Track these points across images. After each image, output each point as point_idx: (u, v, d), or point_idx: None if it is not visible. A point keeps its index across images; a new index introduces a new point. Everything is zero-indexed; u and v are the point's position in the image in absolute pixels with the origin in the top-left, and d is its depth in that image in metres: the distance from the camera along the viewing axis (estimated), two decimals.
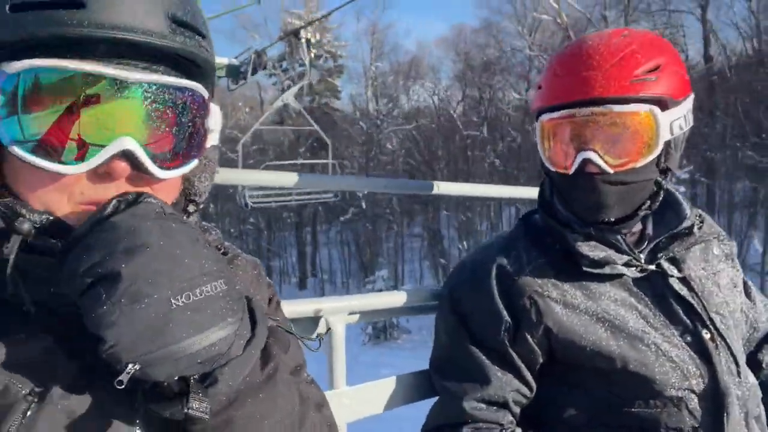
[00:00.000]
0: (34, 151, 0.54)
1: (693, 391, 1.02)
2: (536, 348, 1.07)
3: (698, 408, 1.02)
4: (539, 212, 1.17)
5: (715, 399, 1.03)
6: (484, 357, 1.07)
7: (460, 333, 1.11)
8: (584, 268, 1.06)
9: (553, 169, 1.08)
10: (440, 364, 1.16)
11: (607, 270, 1.06)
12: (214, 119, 0.64)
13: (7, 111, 0.54)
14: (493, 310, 1.08)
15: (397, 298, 1.26)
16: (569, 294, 1.07)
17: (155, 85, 0.56)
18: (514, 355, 1.07)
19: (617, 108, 0.99)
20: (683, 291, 1.08)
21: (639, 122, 1.00)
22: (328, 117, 25.68)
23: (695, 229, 1.10)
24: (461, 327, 1.12)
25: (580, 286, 1.07)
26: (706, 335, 1.05)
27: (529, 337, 1.06)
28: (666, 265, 1.09)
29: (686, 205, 1.12)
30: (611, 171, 1.01)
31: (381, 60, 27.19)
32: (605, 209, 1.05)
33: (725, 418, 1.02)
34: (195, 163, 0.62)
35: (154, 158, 0.57)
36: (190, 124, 0.60)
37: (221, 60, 9.93)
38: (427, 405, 1.17)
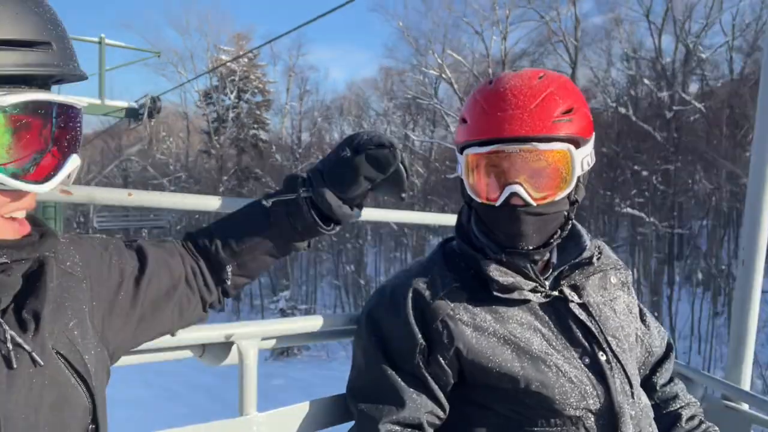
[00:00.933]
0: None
1: (590, 410, 1.08)
2: (448, 369, 1.10)
3: (594, 426, 1.08)
4: (455, 238, 1.22)
5: (610, 418, 1.09)
6: (399, 379, 1.09)
7: (377, 356, 1.13)
8: (494, 293, 1.11)
9: (478, 199, 1.13)
10: (356, 387, 1.17)
11: (515, 295, 1.12)
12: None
13: None
14: (408, 334, 1.10)
15: (312, 323, 1.25)
16: (479, 317, 1.11)
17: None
18: (428, 377, 1.10)
19: (542, 146, 1.06)
20: (582, 315, 1.14)
21: (559, 159, 1.08)
22: (256, 149, 26.72)
23: (594, 260, 1.18)
24: (377, 350, 1.13)
25: (489, 310, 1.12)
26: (602, 357, 1.12)
27: (441, 359, 1.09)
28: (567, 291, 1.16)
29: (586, 237, 1.20)
30: (534, 204, 1.08)
31: (307, 96, 28.50)
32: (525, 238, 1.11)
33: None
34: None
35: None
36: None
37: (122, 103, 12.26)
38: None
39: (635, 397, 1.14)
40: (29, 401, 0.63)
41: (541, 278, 1.15)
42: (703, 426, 1.24)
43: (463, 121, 1.15)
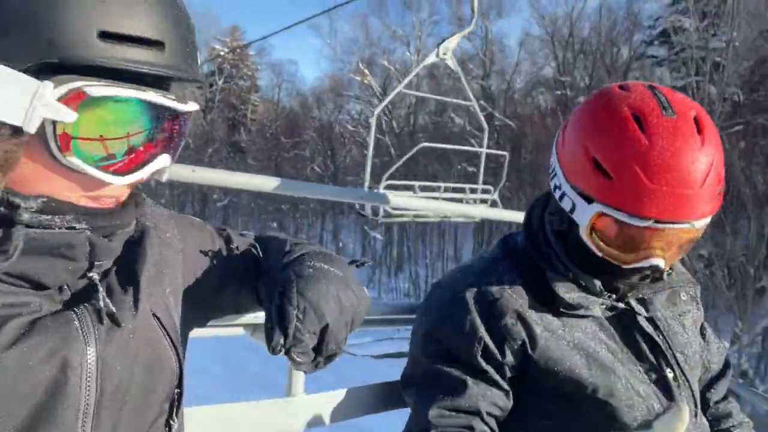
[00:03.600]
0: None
1: None
2: (514, 364, 1.06)
3: None
4: (523, 238, 1.16)
5: None
6: (456, 370, 1.05)
7: (434, 350, 1.09)
8: (560, 309, 1.07)
9: (600, 254, 1.02)
10: (411, 375, 1.14)
11: (580, 312, 1.07)
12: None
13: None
14: (470, 330, 1.06)
15: (375, 308, 1.23)
16: (546, 319, 1.07)
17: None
18: (491, 369, 1.05)
19: (699, 224, 0.95)
20: (649, 329, 1.10)
21: (702, 230, 0.99)
22: (244, 127, 30.37)
23: (665, 276, 1.12)
24: (435, 344, 1.09)
25: (555, 314, 1.07)
26: (670, 374, 1.08)
27: (509, 354, 1.05)
28: (634, 304, 1.11)
29: None
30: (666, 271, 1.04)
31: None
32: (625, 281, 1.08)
33: None
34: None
35: None
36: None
37: None
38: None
39: (698, 417, 1.11)
40: (127, 354, 0.66)
41: (606, 294, 1.09)
42: None
43: (599, 167, 0.96)
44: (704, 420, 1.15)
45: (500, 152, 4.84)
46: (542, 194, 1.20)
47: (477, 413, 1.04)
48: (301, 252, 0.85)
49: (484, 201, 3.49)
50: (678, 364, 1.09)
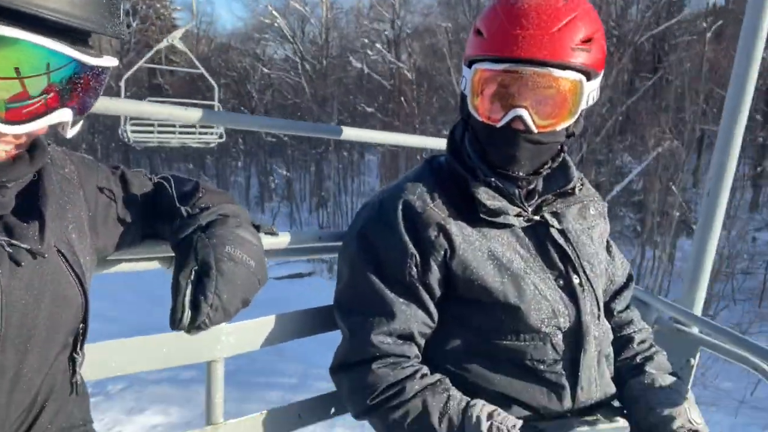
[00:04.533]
0: None
1: (559, 329, 1.12)
2: (439, 279, 1.11)
3: (561, 343, 1.13)
4: (446, 155, 1.20)
5: (576, 336, 1.14)
6: (388, 291, 1.10)
7: (366, 269, 1.12)
8: (481, 215, 1.11)
9: (479, 118, 1.09)
10: (344, 300, 1.17)
11: (500, 219, 1.13)
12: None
13: None
14: (400, 245, 1.10)
15: (295, 239, 1.23)
16: (467, 231, 1.12)
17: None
18: (420, 287, 1.11)
19: (557, 73, 1.02)
20: (560, 240, 1.17)
21: (570, 89, 1.04)
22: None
23: (577, 190, 1.21)
24: (367, 263, 1.12)
25: (475, 226, 1.13)
26: (576, 280, 1.16)
27: (434, 267, 1.10)
28: (548, 217, 1.18)
29: (574, 169, 1.21)
30: (536, 131, 1.06)
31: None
32: (519, 164, 1.11)
33: (582, 354, 1.13)
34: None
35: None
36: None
37: None
38: None
39: (600, 320, 1.20)
40: (30, 289, 0.66)
41: (525, 204, 1.16)
42: (653, 349, 1.31)
43: (478, 33, 1.09)
44: (606, 323, 1.25)
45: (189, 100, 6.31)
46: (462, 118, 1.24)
47: (410, 336, 1.10)
48: (220, 212, 0.90)
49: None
50: (584, 272, 1.17)
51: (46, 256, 0.68)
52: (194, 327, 0.80)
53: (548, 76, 1.02)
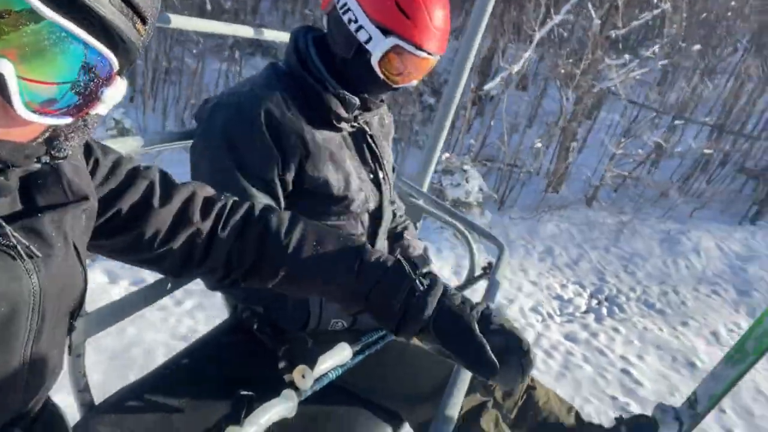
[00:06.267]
0: None
1: (368, 211, 1.48)
2: (293, 178, 1.31)
3: (367, 221, 1.49)
4: (294, 64, 1.34)
5: (377, 216, 1.52)
6: (250, 185, 1.25)
7: (229, 165, 1.24)
8: (334, 122, 1.34)
9: (380, 76, 1.32)
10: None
11: (343, 125, 1.38)
12: (114, 93, 0.60)
13: None
14: (265, 149, 1.24)
15: (150, 140, 1.25)
16: (317, 136, 1.32)
17: (70, 34, 0.51)
18: (278, 184, 1.29)
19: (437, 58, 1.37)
20: (371, 143, 1.49)
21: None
22: None
23: (379, 104, 1.49)
24: (230, 161, 1.24)
25: (321, 131, 1.34)
26: (381, 174, 1.51)
27: (292, 168, 1.29)
28: (363, 124, 1.47)
29: None
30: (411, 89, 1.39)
31: None
32: (377, 96, 1.43)
33: (380, 229, 1.54)
34: (67, 120, 0.58)
35: (24, 94, 0.52)
36: (84, 85, 0.56)
37: None
38: None
39: (394, 205, 1.63)
40: (57, 281, 0.67)
41: (352, 113, 1.41)
42: (407, 222, 1.82)
43: (404, 13, 1.25)
44: (401, 204, 1.69)
45: None
46: (302, 26, 1.39)
47: None
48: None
49: None
50: (385, 168, 1.54)
51: (63, 249, 0.68)
52: None
53: (433, 61, 1.35)
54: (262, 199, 1.26)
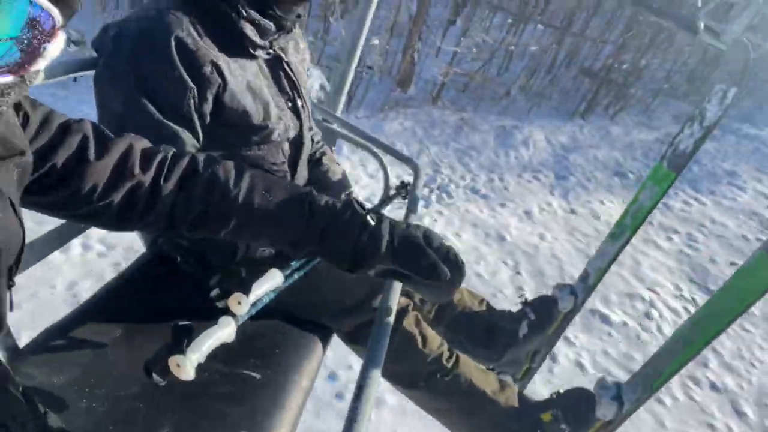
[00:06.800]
0: None
1: (288, 140, 1.49)
2: (211, 109, 1.26)
3: (287, 150, 1.50)
4: None
5: (298, 144, 1.53)
6: (166, 120, 1.19)
7: (142, 99, 1.17)
8: (249, 50, 1.30)
9: None
10: (117, 128, 1.16)
11: (258, 52, 1.34)
12: (55, 47, 0.58)
13: None
14: (179, 80, 1.18)
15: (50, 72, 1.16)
16: (232, 65, 1.27)
17: None
18: (195, 116, 1.23)
19: None
20: (288, 70, 1.46)
21: None
22: None
23: (294, 28, 1.46)
24: (143, 95, 1.17)
25: (236, 59, 1.29)
26: (299, 102, 1.50)
27: (209, 99, 1.24)
28: (279, 51, 1.43)
29: None
30: None
31: None
32: (293, 12, 1.36)
33: (301, 157, 1.56)
34: (8, 79, 0.56)
35: None
36: (27, 42, 0.54)
37: None
38: None
39: (312, 130, 1.64)
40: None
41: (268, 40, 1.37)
42: (325, 147, 1.85)
43: None
44: (318, 129, 1.72)
45: None
46: None
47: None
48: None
49: None
50: (302, 96, 1.53)
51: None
52: None
53: None
54: (181, 135, 1.23)
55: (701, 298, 3.96)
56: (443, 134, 5.94)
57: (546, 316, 2.01)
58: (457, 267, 0.95)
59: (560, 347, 3.14)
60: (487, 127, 6.26)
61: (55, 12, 0.54)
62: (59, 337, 1.29)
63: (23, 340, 1.29)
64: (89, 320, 1.36)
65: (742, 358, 3.46)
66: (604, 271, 2.05)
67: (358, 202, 0.98)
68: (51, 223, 1.17)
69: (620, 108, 7.42)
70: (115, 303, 1.44)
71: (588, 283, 2.09)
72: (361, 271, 0.95)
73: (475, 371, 1.66)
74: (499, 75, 7.27)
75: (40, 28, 0.53)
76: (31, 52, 0.54)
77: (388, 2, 6.48)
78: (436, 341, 1.60)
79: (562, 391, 1.74)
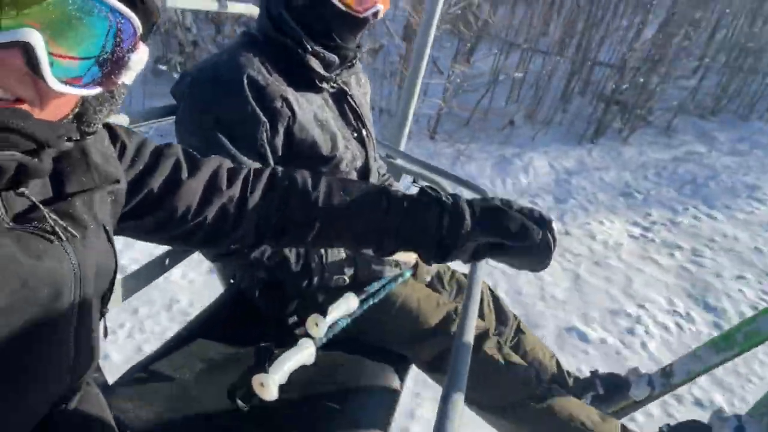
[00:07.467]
0: None
1: (355, 168, 1.51)
2: (283, 142, 1.31)
3: (355, 178, 1.52)
4: (267, 27, 1.33)
5: (365, 173, 1.55)
6: (245, 158, 1.24)
7: (221, 141, 1.23)
8: (316, 82, 1.35)
9: (342, 7, 1.29)
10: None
11: (324, 85, 1.39)
12: (139, 58, 0.59)
13: None
14: (253, 117, 1.24)
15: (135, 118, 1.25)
16: (300, 98, 1.33)
17: None
18: (269, 150, 1.29)
19: None
20: (353, 103, 1.50)
21: None
22: None
23: (356, 62, 1.50)
24: (222, 135, 1.23)
25: (303, 93, 1.35)
26: (364, 133, 1.54)
27: (281, 132, 1.29)
28: (342, 84, 1.48)
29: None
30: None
31: None
32: (353, 41, 1.40)
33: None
34: (97, 90, 0.57)
35: (54, 66, 0.51)
36: (110, 51, 0.55)
37: None
38: None
39: (377, 161, 1.66)
40: (93, 262, 0.68)
41: (333, 74, 1.42)
42: (391, 179, 1.87)
43: None
44: (383, 163, 1.72)
45: None
46: None
47: None
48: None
49: None
50: (366, 126, 1.56)
51: (95, 231, 0.68)
52: None
53: None
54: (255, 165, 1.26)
55: (697, 314, 3.60)
56: (439, 165, 5.75)
57: (615, 397, 1.86)
58: (545, 224, 0.93)
59: None
60: (486, 156, 6.06)
61: (135, 19, 0.56)
62: (145, 374, 1.32)
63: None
64: (172, 357, 1.39)
65: (738, 374, 3.07)
66: (694, 375, 1.81)
67: (431, 187, 0.98)
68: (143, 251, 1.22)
69: (633, 129, 6.92)
70: (196, 340, 1.47)
71: (670, 381, 1.87)
72: (454, 254, 0.94)
73: (571, 400, 1.56)
74: (506, 106, 7.13)
75: (122, 38, 0.55)
76: (116, 62, 0.56)
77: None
78: (522, 366, 1.53)
79: (672, 423, 1.61)
